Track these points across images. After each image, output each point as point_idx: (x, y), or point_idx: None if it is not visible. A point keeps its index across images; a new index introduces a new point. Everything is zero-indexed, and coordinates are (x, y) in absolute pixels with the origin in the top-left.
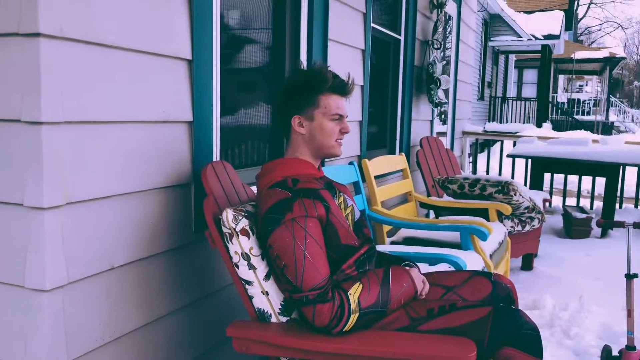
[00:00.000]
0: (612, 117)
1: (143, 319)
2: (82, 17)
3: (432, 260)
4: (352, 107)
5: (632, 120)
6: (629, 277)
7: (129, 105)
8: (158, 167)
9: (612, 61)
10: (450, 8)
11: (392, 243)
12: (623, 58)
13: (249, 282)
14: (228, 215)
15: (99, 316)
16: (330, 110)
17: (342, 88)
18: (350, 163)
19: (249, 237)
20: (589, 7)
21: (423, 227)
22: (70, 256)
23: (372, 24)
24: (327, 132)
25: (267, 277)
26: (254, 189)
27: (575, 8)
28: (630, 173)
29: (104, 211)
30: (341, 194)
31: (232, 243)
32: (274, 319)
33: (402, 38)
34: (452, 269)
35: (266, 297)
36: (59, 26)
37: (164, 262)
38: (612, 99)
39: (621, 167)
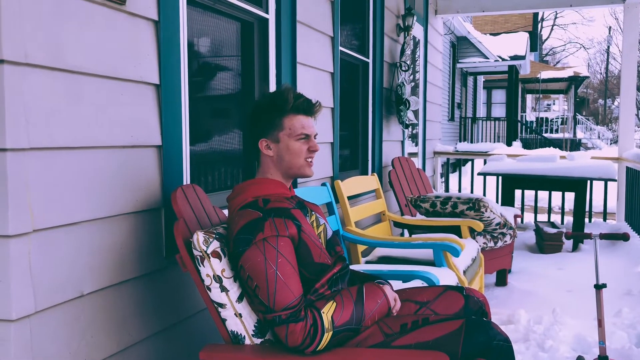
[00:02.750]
0: (580, 135)
1: (115, 347)
2: (47, 43)
3: (405, 277)
4: (323, 128)
5: (599, 137)
6: (598, 287)
7: (96, 131)
8: (127, 192)
9: (576, 80)
10: (417, 31)
11: (367, 262)
12: (587, 77)
13: (221, 305)
14: (199, 237)
15: (69, 345)
16: (295, 131)
17: (306, 108)
18: (323, 184)
19: (220, 259)
20: (552, 29)
21: (397, 246)
22: (37, 284)
23: (341, 48)
24: (294, 153)
25: (239, 299)
26: (226, 212)
27: (539, 30)
28: (599, 188)
29: (72, 238)
30: (313, 212)
31: (204, 266)
32: (247, 341)
33: (370, 61)
34: (425, 285)
35: (239, 319)
36: (23, 52)
37: (135, 288)
38: (579, 116)
39: (588, 181)
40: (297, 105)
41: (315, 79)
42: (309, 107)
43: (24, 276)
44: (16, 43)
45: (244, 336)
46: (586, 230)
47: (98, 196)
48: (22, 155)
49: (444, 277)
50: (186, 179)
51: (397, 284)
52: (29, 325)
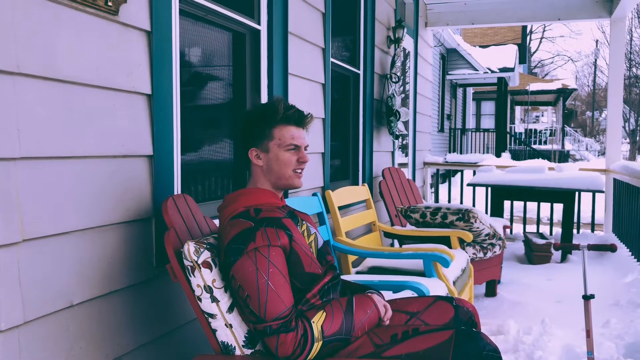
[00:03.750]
0: (568, 146)
1: (105, 358)
2: (39, 53)
3: (396, 287)
4: (314, 139)
5: (587, 149)
6: (586, 298)
7: (88, 140)
8: (118, 201)
9: (565, 92)
10: (407, 43)
11: (358, 273)
12: (575, 89)
13: (212, 315)
14: (190, 247)
15: (58, 356)
16: (285, 142)
17: (297, 119)
18: (314, 194)
19: (211, 270)
20: (540, 42)
21: (387, 256)
22: (26, 294)
23: (332, 59)
24: (283, 163)
25: (230, 309)
26: (217, 222)
27: (528, 42)
28: (587, 200)
29: (62, 247)
30: (304, 222)
31: (194, 276)
32: (238, 352)
33: (361, 72)
34: (415, 295)
35: (230, 329)
36: (15, 62)
37: (126, 298)
38: (567, 128)
39: (577, 193)
40: (288, 115)
41: (307, 90)
42: (299, 118)
43: (13, 286)
44: (8, 53)
45: (234, 347)
46: (574, 241)
47: (89, 206)
48: (13, 164)
49: (434, 287)
50: (177, 188)
51: (388, 295)
52: (17, 335)
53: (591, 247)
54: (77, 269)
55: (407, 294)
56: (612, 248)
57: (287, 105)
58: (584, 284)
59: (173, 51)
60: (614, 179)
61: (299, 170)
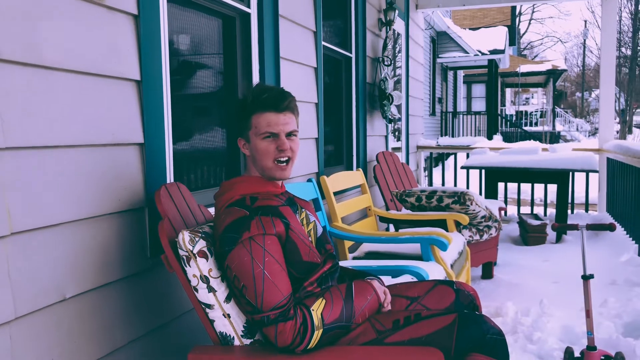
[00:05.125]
0: (559, 127)
1: (99, 351)
2: (22, 39)
3: (395, 272)
4: (308, 124)
5: (577, 129)
6: (585, 277)
7: (75, 129)
8: (109, 191)
9: (554, 73)
10: (399, 26)
11: (355, 258)
12: (565, 70)
13: (209, 306)
14: (184, 237)
15: (51, 352)
16: (260, 129)
17: (271, 104)
18: (309, 180)
19: (207, 259)
20: (530, 23)
21: (384, 241)
22: (17, 289)
23: (323, 42)
24: (261, 153)
25: (227, 299)
26: (211, 210)
27: (517, 24)
28: (580, 180)
29: (53, 240)
30: (303, 209)
31: (190, 266)
32: (237, 342)
33: (353, 56)
34: (415, 280)
35: (228, 319)
36: None
37: (120, 290)
38: (557, 109)
39: (571, 173)
40: (262, 101)
41: (299, 74)
42: (275, 103)
43: (3, 281)
44: None
45: (233, 337)
46: (570, 221)
47: (79, 196)
48: None
49: (432, 271)
50: (170, 177)
51: (387, 279)
52: (8, 331)
53: (590, 227)
54: (69, 261)
55: (406, 278)
56: (610, 227)
57: (260, 90)
58: (583, 263)
59: (162, 35)
60: (607, 158)
61: (283, 160)
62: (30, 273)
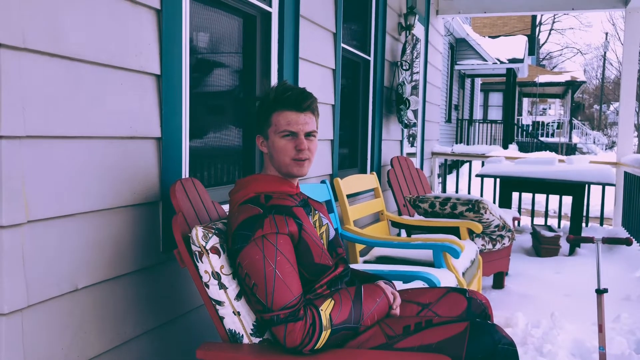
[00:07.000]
0: (575, 139)
1: (109, 343)
2: (46, 29)
3: (406, 278)
4: (324, 125)
5: (594, 142)
6: (600, 292)
7: (94, 120)
8: (125, 184)
9: (573, 85)
10: (418, 31)
11: (365, 262)
12: (584, 82)
13: (219, 303)
14: (198, 232)
15: (62, 341)
16: (279, 127)
17: (293, 102)
18: (323, 181)
19: (219, 256)
20: (550, 33)
21: (396, 246)
22: (30, 277)
23: (343, 44)
24: (279, 150)
25: (238, 297)
26: (225, 207)
27: (537, 34)
28: (595, 194)
29: (68, 230)
30: (316, 212)
31: (202, 262)
32: (245, 340)
33: (371, 59)
34: (426, 286)
35: (238, 317)
36: (21, 37)
37: (131, 283)
38: (575, 121)
39: (587, 186)
40: (283, 99)
41: (317, 75)
42: (297, 102)
43: (17, 268)
44: (14, 27)
45: (242, 335)
46: (584, 234)
47: (95, 188)
48: (18, 143)
49: (444, 278)
50: (185, 172)
51: (398, 285)
52: (20, 319)
53: (606, 240)
54: (83, 252)
55: (417, 284)
56: (627, 242)
57: (283, 88)
58: (598, 277)
59: (183, 31)
60: (625, 172)
61: (300, 159)
62: (44, 261)
